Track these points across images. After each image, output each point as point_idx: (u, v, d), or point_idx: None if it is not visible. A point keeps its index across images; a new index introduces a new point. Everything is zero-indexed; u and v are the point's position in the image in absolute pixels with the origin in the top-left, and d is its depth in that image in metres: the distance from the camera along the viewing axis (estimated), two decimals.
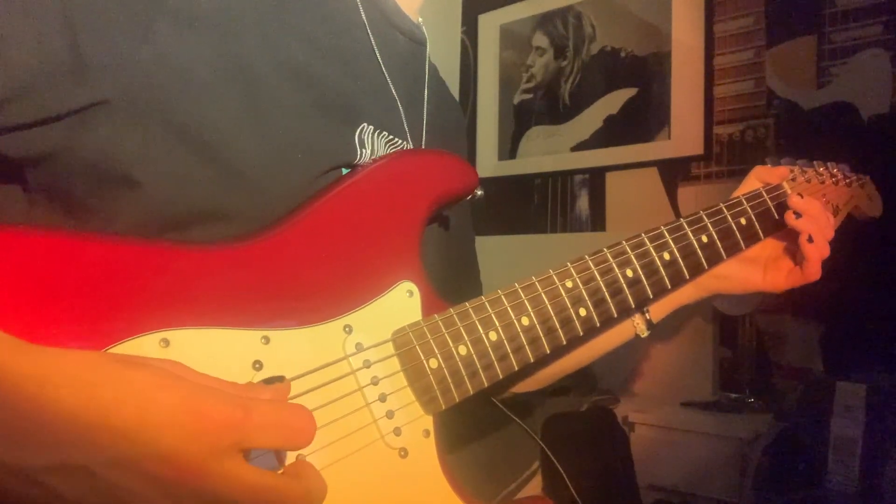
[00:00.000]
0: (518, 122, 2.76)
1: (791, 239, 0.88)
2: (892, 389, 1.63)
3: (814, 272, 0.86)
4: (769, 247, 0.91)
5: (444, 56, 2.91)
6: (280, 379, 0.55)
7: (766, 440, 1.76)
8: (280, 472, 0.52)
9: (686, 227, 0.83)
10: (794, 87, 2.11)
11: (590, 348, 0.94)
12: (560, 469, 0.82)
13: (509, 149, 2.77)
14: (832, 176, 0.99)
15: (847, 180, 1.01)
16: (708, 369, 2.18)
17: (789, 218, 0.86)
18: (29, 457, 0.43)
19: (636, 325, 0.91)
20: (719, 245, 0.84)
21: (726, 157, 2.22)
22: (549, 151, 2.65)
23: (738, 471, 1.77)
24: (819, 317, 2.01)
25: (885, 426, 1.60)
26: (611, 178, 2.49)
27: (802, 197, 0.87)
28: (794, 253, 0.89)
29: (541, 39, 2.71)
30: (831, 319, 1.98)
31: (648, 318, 0.90)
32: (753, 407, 1.97)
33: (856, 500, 1.58)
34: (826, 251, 0.87)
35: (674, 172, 2.33)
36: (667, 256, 0.80)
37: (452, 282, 0.86)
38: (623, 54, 2.49)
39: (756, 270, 0.90)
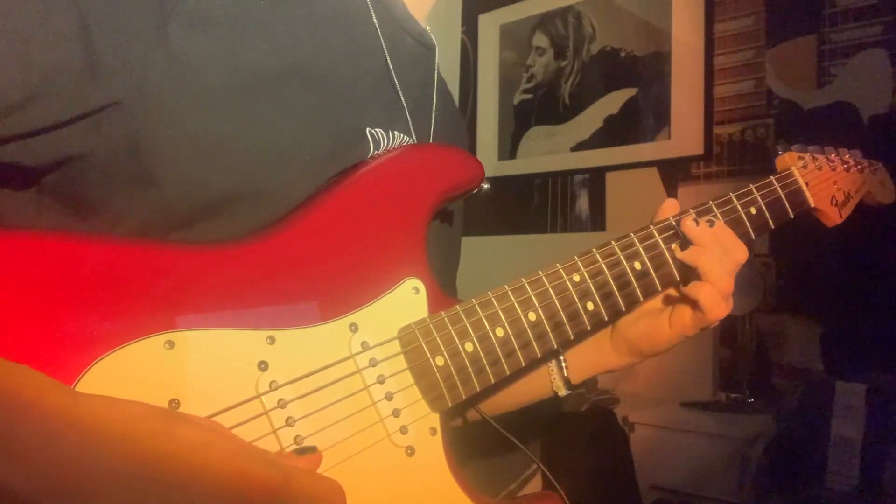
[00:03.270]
0: (518, 122, 2.76)
1: (695, 276, 0.78)
2: (892, 389, 1.63)
3: (712, 310, 0.75)
4: (671, 293, 0.82)
5: (444, 56, 2.90)
6: (313, 450, 0.56)
7: (766, 440, 1.76)
8: None
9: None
10: (794, 87, 2.12)
11: (506, 398, 0.89)
12: (552, 480, 0.81)
13: (509, 149, 2.77)
14: (844, 162, 0.96)
15: (859, 166, 0.99)
16: (708, 369, 2.18)
17: (675, 251, 0.78)
18: None
19: (553, 381, 0.86)
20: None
21: (726, 157, 2.23)
22: (549, 151, 2.65)
23: (738, 471, 1.77)
24: (819, 317, 2.01)
25: (885, 426, 1.61)
26: (611, 178, 2.49)
27: (697, 224, 0.77)
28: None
29: (541, 39, 2.71)
30: (831, 319, 1.99)
31: (566, 375, 0.85)
32: (753, 407, 1.97)
33: (856, 500, 1.58)
34: (724, 286, 0.75)
35: (674, 172, 2.34)
36: (675, 248, 0.79)
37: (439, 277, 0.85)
38: (623, 54, 2.49)
39: (662, 321, 0.80)
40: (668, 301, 0.82)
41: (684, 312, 0.78)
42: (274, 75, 0.63)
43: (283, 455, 0.54)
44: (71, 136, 0.56)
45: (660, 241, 0.78)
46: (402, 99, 0.77)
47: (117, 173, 0.58)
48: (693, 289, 0.75)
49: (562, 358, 0.86)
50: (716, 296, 0.75)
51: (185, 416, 0.49)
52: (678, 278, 0.79)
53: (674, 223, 0.79)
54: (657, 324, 0.80)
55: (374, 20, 0.75)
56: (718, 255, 0.76)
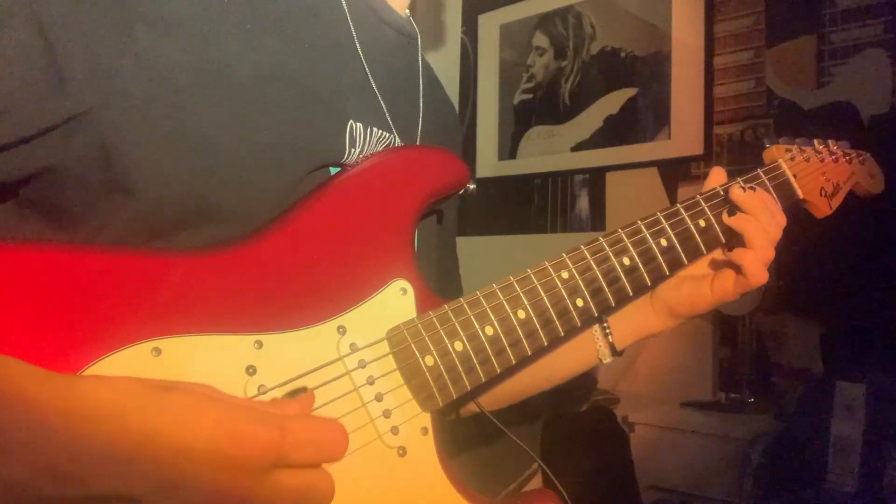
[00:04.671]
0: (518, 122, 2.76)
1: (739, 243, 0.82)
2: (892, 389, 1.63)
3: (755, 275, 0.78)
4: (716, 257, 0.85)
5: (444, 56, 2.91)
6: (303, 390, 0.55)
7: (766, 440, 1.76)
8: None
9: (683, 212, 0.82)
10: (794, 87, 2.11)
11: (552, 369, 0.90)
12: (553, 479, 0.82)
13: (509, 149, 2.77)
14: (832, 153, 0.96)
15: (847, 157, 0.99)
16: (708, 369, 2.18)
17: (724, 217, 0.81)
18: (69, 489, 0.43)
19: (599, 350, 0.87)
20: (717, 229, 0.83)
21: (726, 157, 2.22)
22: (549, 151, 2.65)
23: (738, 471, 1.77)
24: (819, 317, 2.01)
25: (885, 426, 1.60)
26: (611, 178, 2.49)
27: (745, 191, 0.81)
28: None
29: (541, 39, 2.71)
30: (831, 319, 1.98)
31: (611, 341, 0.87)
32: (753, 407, 1.97)
33: (856, 500, 1.58)
34: (767, 254, 0.79)
35: (674, 172, 2.33)
36: (664, 242, 0.79)
37: (435, 277, 0.85)
38: (623, 54, 2.49)
39: (704, 285, 0.83)
40: (712, 266, 0.85)
41: (727, 278, 0.81)
42: (246, 74, 0.63)
43: (275, 403, 0.53)
44: (42, 149, 0.55)
45: (647, 235, 0.79)
46: (378, 94, 0.76)
47: (93, 182, 0.58)
48: (738, 255, 0.79)
49: (606, 325, 0.87)
50: (759, 263, 0.78)
51: (173, 383, 0.48)
52: (668, 272, 0.80)
53: (721, 191, 0.82)
54: (699, 288, 0.83)
55: (347, 14, 0.74)
56: (766, 220, 0.79)
